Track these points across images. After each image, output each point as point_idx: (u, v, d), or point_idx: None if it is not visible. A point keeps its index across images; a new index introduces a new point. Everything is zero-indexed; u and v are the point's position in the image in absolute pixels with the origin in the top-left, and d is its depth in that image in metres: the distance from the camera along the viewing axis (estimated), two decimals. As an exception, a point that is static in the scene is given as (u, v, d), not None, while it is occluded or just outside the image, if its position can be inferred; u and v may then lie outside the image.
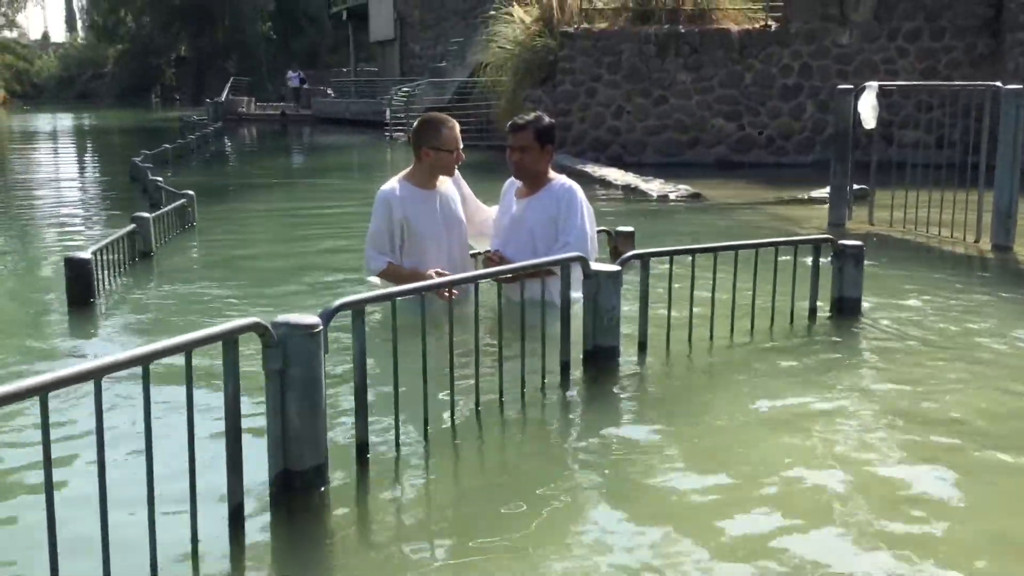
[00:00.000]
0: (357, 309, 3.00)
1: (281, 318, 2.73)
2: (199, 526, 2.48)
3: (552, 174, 4.78)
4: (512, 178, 4.90)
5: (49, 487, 2.05)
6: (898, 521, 2.70)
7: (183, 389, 2.44)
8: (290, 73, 39.49)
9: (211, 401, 3.24)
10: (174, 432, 2.90)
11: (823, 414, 3.61)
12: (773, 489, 2.95)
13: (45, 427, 2.03)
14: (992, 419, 3.59)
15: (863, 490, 2.92)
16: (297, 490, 2.77)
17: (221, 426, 2.59)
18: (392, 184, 4.61)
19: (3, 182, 14.77)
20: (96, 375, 2.13)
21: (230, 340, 2.52)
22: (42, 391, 2.02)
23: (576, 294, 4.17)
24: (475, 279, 3.59)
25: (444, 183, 4.74)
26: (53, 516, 2.06)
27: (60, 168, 18.12)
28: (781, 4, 15.56)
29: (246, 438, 2.70)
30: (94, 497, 2.22)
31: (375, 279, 4.66)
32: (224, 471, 2.59)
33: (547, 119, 4.77)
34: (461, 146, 4.68)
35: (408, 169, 4.70)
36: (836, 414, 3.62)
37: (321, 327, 2.77)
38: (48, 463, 2.04)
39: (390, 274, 4.55)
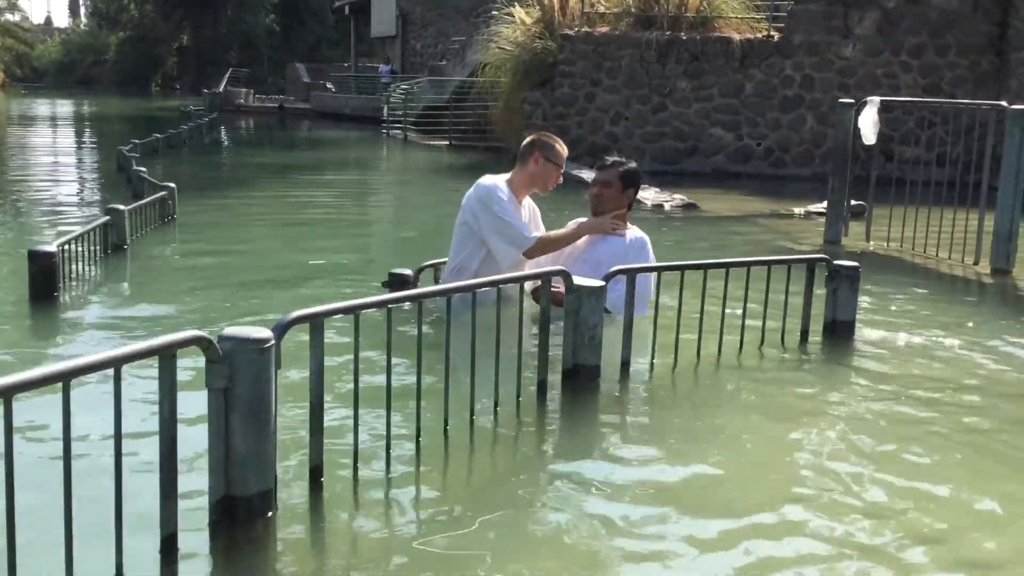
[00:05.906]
0: (315, 322, 2.80)
1: (228, 331, 2.52)
2: (125, 559, 2.26)
3: (628, 224, 4.86)
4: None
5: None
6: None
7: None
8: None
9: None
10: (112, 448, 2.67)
11: (809, 443, 3.41)
12: (755, 518, 2.76)
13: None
14: (989, 442, 3.40)
15: (853, 522, 2.72)
16: (240, 518, 2.56)
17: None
18: (497, 180, 4.65)
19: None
20: (6, 393, 1.93)
21: (167, 355, 2.31)
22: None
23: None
24: (446, 292, 3.38)
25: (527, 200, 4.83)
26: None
27: (49, 155, 17.83)
28: (784, 15, 15.37)
29: (188, 460, 2.49)
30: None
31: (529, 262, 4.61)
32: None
33: (633, 164, 4.93)
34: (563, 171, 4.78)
35: (507, 175, 4.73)
36: (823, 443, 3.42)
37: (273, 342, 2.57)
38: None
39: (547, 243, 4.62)
